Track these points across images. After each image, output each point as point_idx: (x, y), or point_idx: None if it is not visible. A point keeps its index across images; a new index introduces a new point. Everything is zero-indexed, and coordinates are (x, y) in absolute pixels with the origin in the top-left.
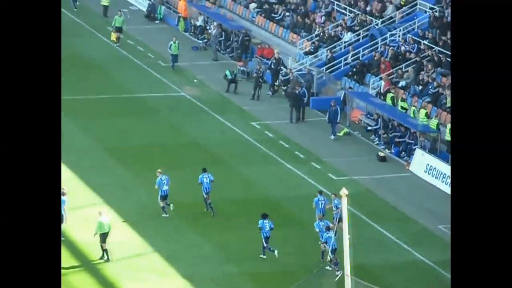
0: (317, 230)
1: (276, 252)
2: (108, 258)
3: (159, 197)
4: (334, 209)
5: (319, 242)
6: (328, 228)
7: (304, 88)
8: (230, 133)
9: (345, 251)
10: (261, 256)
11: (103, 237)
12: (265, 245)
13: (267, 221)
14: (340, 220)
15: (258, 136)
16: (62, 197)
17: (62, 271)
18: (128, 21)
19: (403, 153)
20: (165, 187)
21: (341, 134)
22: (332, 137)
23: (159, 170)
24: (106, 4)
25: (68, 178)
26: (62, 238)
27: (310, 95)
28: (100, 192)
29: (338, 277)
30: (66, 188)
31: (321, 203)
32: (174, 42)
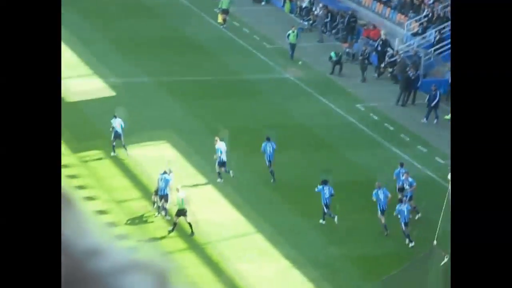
0: (374, 199)
1: (336, 218)
2: (172, 229)
3: (216, 163)
4: (407, 187)
5: (379, 215)
6: (400, 201)
7: (418, 72)
8: (334, 115)
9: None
10: (321, 221)
11: (179, 212)
12: (325, 210)
13: (327, 187)
14: (411, 198)
15: (362, 118)
16: (167, 176)
17: (169, 249)
18: (234, 3)
19: None
20: (223, 155)
21: (448, 117)
22: (425, 120)
23: (216, 137)
24: None
25: (173, 158)
26: (167, 218)
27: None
28: (204, 173)
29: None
30: (171, 168)
31: (402, 174)
32: (293, 32)
